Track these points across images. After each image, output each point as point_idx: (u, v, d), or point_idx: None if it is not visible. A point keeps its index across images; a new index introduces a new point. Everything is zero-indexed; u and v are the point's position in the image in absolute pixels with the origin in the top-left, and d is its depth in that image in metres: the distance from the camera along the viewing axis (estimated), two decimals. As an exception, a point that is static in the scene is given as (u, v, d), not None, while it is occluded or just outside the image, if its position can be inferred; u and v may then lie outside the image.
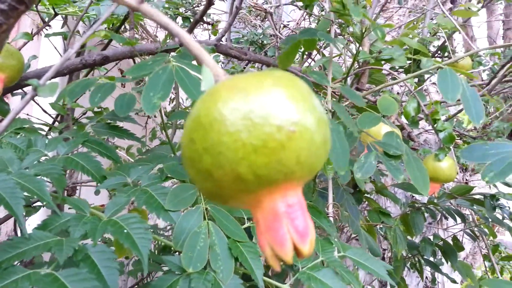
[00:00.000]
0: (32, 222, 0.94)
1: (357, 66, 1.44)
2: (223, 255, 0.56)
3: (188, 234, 0.57)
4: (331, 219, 0.73)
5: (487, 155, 0.75)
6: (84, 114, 1.39)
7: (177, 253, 0.61)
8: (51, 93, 0.41)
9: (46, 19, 1.13)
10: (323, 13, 1.86)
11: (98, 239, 0.52)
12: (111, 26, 1.31)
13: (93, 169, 0.66)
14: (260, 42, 2.30)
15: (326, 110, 0.66)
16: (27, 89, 1.14)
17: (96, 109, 1.24)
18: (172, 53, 0.80)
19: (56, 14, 1.05)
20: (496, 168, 0.71)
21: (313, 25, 2.19)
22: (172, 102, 2.10)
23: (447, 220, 2.30)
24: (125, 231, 0.53)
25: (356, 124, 0.67)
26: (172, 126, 1.15)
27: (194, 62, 0.60)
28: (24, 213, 0.98)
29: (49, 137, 0.82)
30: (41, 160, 0.67)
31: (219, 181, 0.22)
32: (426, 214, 1.59)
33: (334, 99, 0.70)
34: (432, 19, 1.98)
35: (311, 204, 0.72)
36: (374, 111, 0.83)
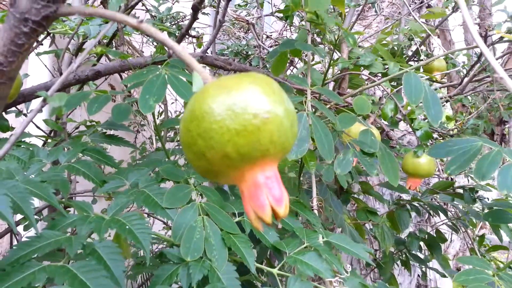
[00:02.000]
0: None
1: (338, 72, 1.52)
2: (218, 245, 0.62)
3: (185, 228, 0.63)
4: (315, 212, 0.79)
5: (450, 151, 0.83)
6: (77, 128, 1.44)
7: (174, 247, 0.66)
8: (60, 102, 0.47)
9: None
10: (303, 23, 1.95)
11: (103, 236, 0.58)
12: (99, 43, 1.37)
13: (93, 175, 0.71)
14: (245, 53, 2.37)
15: (307, 110, 0.73)
16: (20, 107, 1.19)
17: (88, 123, 1.30)
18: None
19: (48, 33, 1.10)
20: (457, 162, 0.79)
21: (295, 35, 2.27)
22: (161, 115, 2.16)
23: (434, 217, 2.38)
24: (127, 227, 0.59)
25: (336, 121, 0.74)
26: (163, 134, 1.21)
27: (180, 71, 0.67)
28: (25, 224, 1.03)
29: (48, 148, 0.87)
30: (43, 169, 0.72)
31: (211, 159, 0.29)
32: (412, 213, 1.66)
33: (314, 99, 0.77)
34: (406, 25, 2.07)
35: (297, 199, 0.78)
36: (353, 113, 0.90)
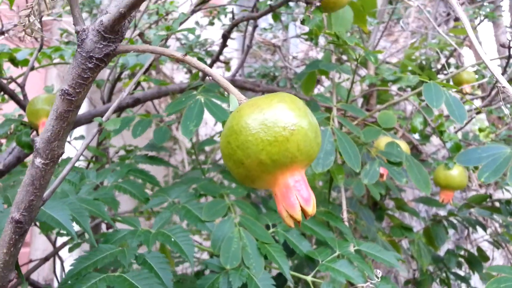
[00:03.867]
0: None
1: (366, 89, 1.55)
2: (254, 254, 0.67)
3: (223, 239, 0.68)
4: (346, 223, 0.82)
5: (480, 158, 0.85)
6: (117, 153, 1.54)
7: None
8: (115, 126, 0.54)
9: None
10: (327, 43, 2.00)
11: (151, 247, 0.63)
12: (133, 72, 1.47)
13: (138, 193, 0.78)
14: (272, 74, 2.44)
15: (332, 125, 0.77)
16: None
17: (128, 148, 1.39)
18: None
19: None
20: (489, 169, 0.81)
21: (321, 54, 2.33)
22: (192, 139, 2.25)
23: (473, 234, 2.32)
24: (173, 239, 0.65)
25: (360, 134, 0.79)
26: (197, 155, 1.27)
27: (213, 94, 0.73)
28: (70, 246, 1.11)
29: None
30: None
31: (248, 166, 0.34)
32: (451, 231, 1.62)
33: (341, 116, 0.82)
34: (434, 38, 2.09)
35: (328, 211, 0.82)
36: (379, 127, 0.94)
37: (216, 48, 2.04)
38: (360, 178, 1.14)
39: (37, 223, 0.77)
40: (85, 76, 0.42)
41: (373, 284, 0.63)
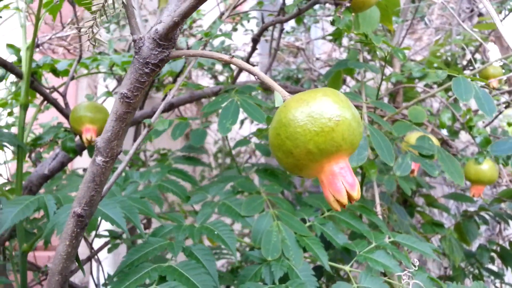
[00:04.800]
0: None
1: (392, 87, 1.56)
2: (293, 246, 0.70)
3: (263, 233, 0.72)
4: (380, 216, 0.84)
5: (511, 148, 0.86)
6: (151, 156, 1.60)
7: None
8: (164, 126, 0.58)
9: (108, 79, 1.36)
10: (352, 42, 2.02)
11: (196, 240, 0.68)
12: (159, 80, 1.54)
13: (179, 191, 0.82)
14: (295, 76, 2.47)
15: (364, 122, 0.80)
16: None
17: (161, 152, 1.44)
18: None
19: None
20: (522, 155, 0.81)
21: (344, 55, 2.35)
22: (217, 143, 2.30)
23: (506, 230, 2.28)
24: (216, 232, 0.69)
25: (391, 130, 0.81)
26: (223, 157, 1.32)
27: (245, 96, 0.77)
28: (110, 245, 1.16)
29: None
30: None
31: (297, 156, 0.37)
32: (483, 227, 1.60)
33: (370, 111, 0.85)
34: (458, 34, 2.08)
35: (362, 205, 0.84)
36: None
37: (239, 53, 2.09)
38: (391, 174, 1.15)
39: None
40: (142, 80, 0.46)
41: (410, 273, 0.65)
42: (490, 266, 1.66)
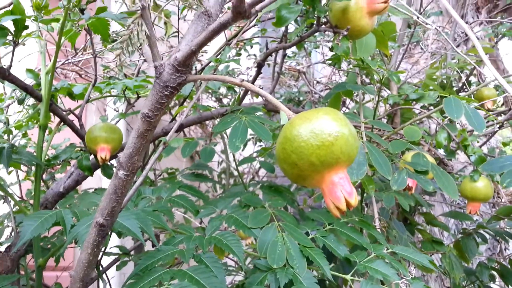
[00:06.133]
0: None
1: (390, 109, 1.62)
2: (297, 256, 0.75)
3: (268, 243, 0.76)
4: (379, 230, 0.89)
5: (503, 166, 0.91)
6: (159, 176, 1.65)
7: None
8: (178, 143, 0.64)
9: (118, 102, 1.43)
10: (351, 66, 2.10)
11: (206, 249, 0.72)
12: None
13: (189, 205, 0.87)
14: (297, 99, 2.54)
15: (362, 139, 0.86)
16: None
17: (169, 171, 1.50)
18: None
19: (138, 97, 1.33)
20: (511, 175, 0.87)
21: (343, 78, 2.43)
22: (220, 164, 2.36)
23: (507, 250, 2.30)
24: (224, 242, 0.73)
25: (388, 146, 0.87)
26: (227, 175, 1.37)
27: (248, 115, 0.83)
28: (117, 264, 1.20)
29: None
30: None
31: (301, 167, 0.43)
32: (483, 246, 1.62)
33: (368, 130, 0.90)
34: (453, 58, 2.16)
35: (361, 219, 0.89)
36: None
37: (242, 76, 2.17)
38: (390, 191, 1.20)
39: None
40: (162, 101, 0.53)
41: (407, 281, 0.70)
42: (491, 284, 1.68)
